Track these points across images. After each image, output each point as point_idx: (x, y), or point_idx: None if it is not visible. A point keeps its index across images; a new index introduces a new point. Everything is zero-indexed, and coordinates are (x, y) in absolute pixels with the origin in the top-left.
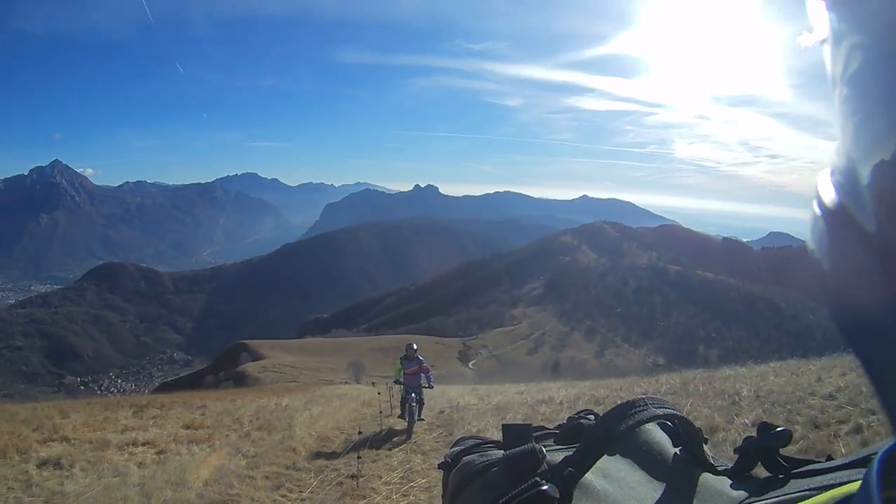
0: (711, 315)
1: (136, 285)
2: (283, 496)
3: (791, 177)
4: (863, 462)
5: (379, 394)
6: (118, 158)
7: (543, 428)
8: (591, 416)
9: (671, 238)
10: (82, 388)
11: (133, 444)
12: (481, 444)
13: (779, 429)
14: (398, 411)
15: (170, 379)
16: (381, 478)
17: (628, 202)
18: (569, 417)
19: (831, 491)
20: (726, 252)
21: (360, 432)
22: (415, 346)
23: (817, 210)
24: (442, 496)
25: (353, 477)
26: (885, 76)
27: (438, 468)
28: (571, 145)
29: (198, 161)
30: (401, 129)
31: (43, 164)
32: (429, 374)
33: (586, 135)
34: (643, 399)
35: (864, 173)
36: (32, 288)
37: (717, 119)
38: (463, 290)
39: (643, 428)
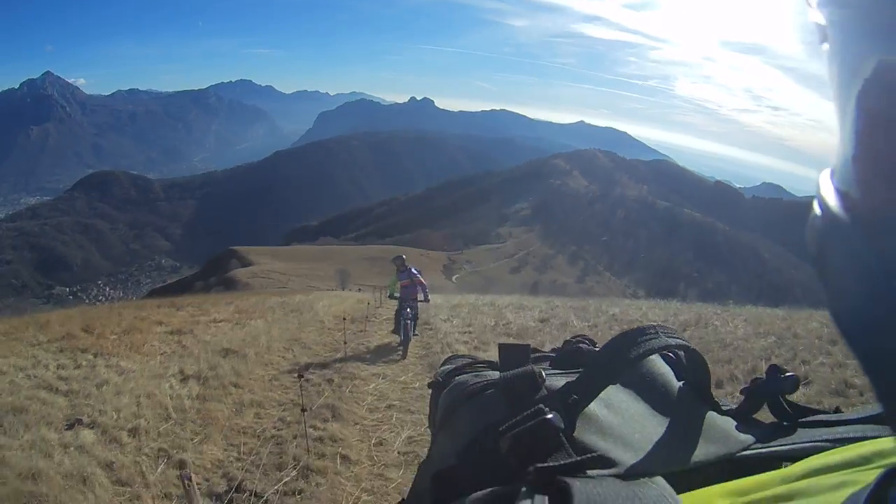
0: (695, 255)
1: (127, 193)
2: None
3: (791, 131)
4: (875, 419)
5: (369, 303)
6: (111, 67)
7: (539, 351)
8: (587, 342)
9: (663, 173)
10: (71, 297)
11: (214, 322)
12: (474, 364)
13: (788, 374)
14: (383, 310)
15: (158, 285)
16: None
17: (624, 132)
18: (565, 341)
19: (854, 446)
20: (717, 195)
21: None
22: (404, 257)
23: (818, 210)
24: (429, 416)
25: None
26: (888, 74)
27: (428, 387)
28: (572, 70)
29: (192, 68)
30: (401, 41)
31: (35, 77)
32: (425, 287)
33: (588, 61)
34: (654, 327)
35: (866, 173)
36: (23, 201)
37: (723, 63)
38: (452, 204)
39: (648, 358)
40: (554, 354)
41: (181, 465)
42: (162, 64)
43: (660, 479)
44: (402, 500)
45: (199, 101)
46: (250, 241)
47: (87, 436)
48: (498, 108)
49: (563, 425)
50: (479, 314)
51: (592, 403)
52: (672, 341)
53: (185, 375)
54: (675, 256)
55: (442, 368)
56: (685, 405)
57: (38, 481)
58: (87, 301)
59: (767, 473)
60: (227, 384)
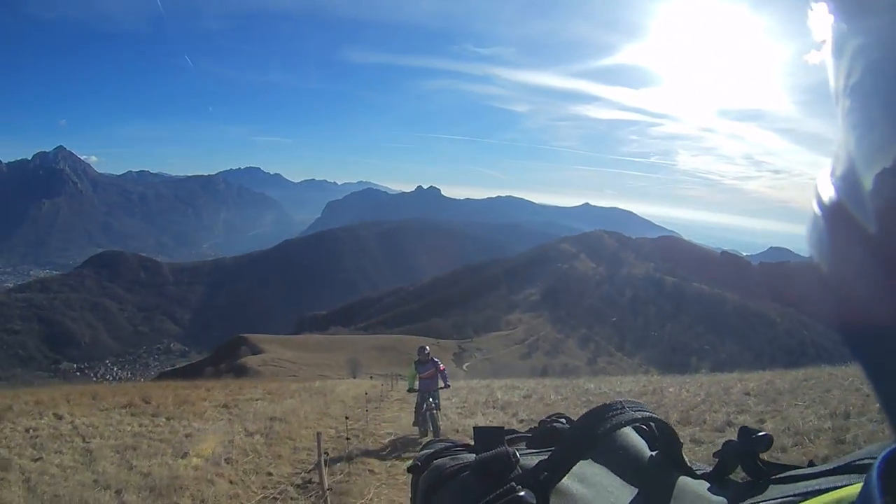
0: (705, 328)
1: (136, 275)
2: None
3: (793, 192)
4: (847, 469)
5: (382, 387)
6: (122, 147)
7: (515, 432)
8: (564, 420)
9: (669, 249)
10: (78, 374)
11: (251, 400)
12: (452, 448)
13: (760, 433)
14: (395, 393)
15: (167, 369)
16: None
17: (629, 211)
18: (541, 421)
19: (820, 497)
20: (724, 265)
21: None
22: (427, 350)
23: (817, 210)
24: (411, 500)
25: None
26: (888, 78)
27: (407, 472)
28: (576, 153)
29: (201, 153)
30: (406, 129)
31: (47, 150)
32: (444, 373)
33: (591, 143)
34: (620, 402)
35: (865, 174)
36: (32, 273)
37: (722, 132)
38: (461, 293)
39: (619, 431)
40: (530, 435)
41: (317, 436)
42: (173, 147)
43: None
44: None
45: (208, 187)
46: (259, 329)
47: (198, 462)
48: (504, 195)
49: (534, 501)
50: (474, 394)
51: (566, 479)
52: (638, 415)
53: (248, 432)
54: (685, 331)
55: (421, 452)
56: (658, 473)
57: (178, 479)
58: (94, 379)
59: None
60: (282, 437)
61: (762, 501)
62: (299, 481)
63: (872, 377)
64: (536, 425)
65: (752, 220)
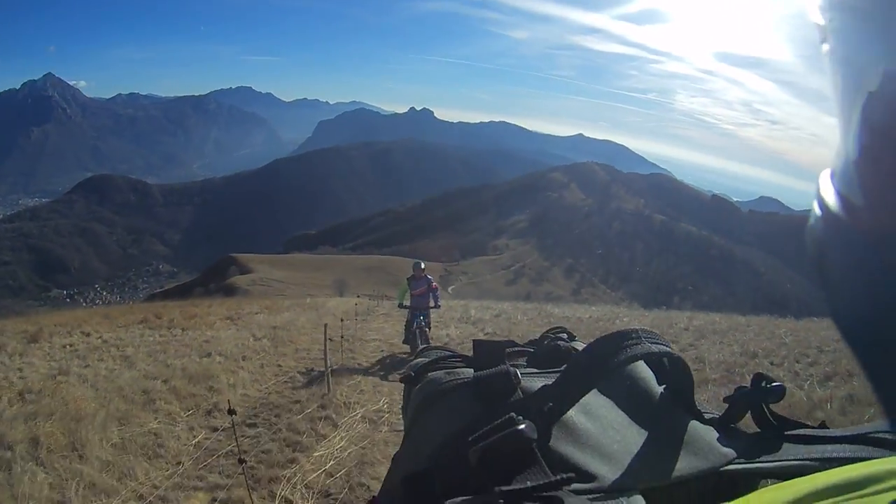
0: (691, 268)
1: (125, 197)
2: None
3: (789, 145)
4: (863, 440)
5: (368, 305)
6: (112, 70)
7: (515, 344)
8: (566, 335)
9: (660, 187)
10: (67, 300)
11: (252, 313)
12: (449, 358)
13: (774, 383)
14: (380, 309)
15: (157, 290)
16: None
17: (623, 145)
18: (542, 335)
19: (845, 468)
20: (714, 209)
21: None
22: (423, 265)
23: (818, 210)
24: (402, 410)
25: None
26: (889, 78)
27: (401, 382)
28: (572, 83)
29: (193, 74)
30: (401, 51)
31: (35, 78)
32: (437, 293)
33: (588, 74)
34: (636, 331)
35: (866, 175)
36: (21, 202)
37: (722, 77)
38: (449, 216)
39: None
40: (531, 349)
41: (324, 327)
42: (163, 68)
43: (637, 497)
44: (374, 498)
45: (199, 107)
46: (248, 249)
47: (220, 359)
48: (497, 120)
49: (535, 436)
50: (450, 311)
51: (570, 410)
52: (654, 348)
53: (256, 337)
54: (670, 269)
55: (415, 361)
56: (667, 414)
57: (208, 371)
58: (84, 304)
59: (753, 496)
60: (285, 340)
61: (778, 460)
62: (303, 369)
63: (871, 376)
64: (538, 338)
65: (745, 166)
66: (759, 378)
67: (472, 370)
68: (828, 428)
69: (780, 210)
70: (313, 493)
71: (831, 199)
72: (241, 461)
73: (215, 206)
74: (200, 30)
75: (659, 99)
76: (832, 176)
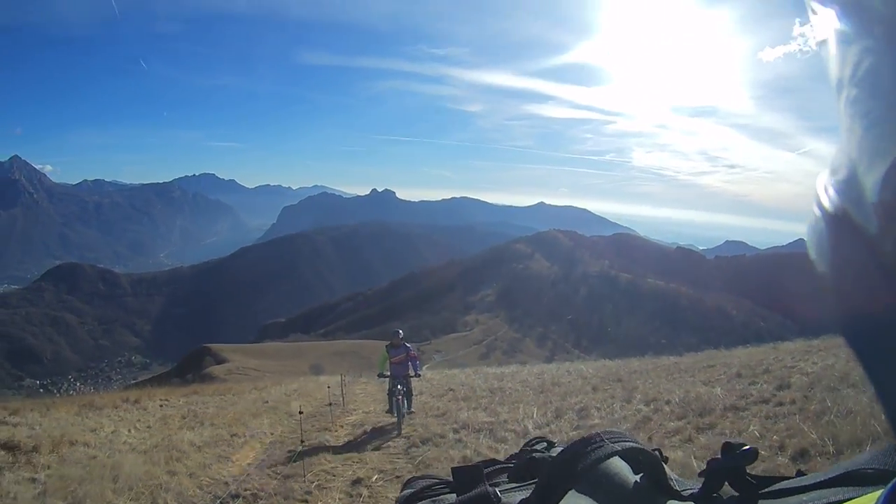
0: (661, 322)
1: (94, 286)
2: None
3: (749, 186)
4: (841, 480)
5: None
6: (78, 155)
7: (495, 461)
8: (545, 443)
9: (624, 246)
10: (41, 390)
11: (255, 389)
12: (433, 486)
13: (744, 447)
14: (361, 379)
15: (131, 382)
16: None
17: (584, 209)
18: (521, 449)
19: None
20: (679, 260)
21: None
22: (400, 333)
23: (817, 212)
24: None
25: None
26: (890, 78)
27: None
28: (530, 152)
29: (156, 160)
30: (359, 132)
31: (2, 160)
32: (416, 361)
33: (545, 142)
34: (599, 434)
35: (866, 176)
36: None
37: (677, 129)
38: (417, 295)
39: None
40: (511, 464)
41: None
42: (127, 154)
43: None
44: None
45: (164, 195)
46: (219, 338)
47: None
48: (458, 196)
49: None
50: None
51: None
52: (618, 447)
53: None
54: (641, 326)
55: (402, 492)
56: (644, 500)
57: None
58: (58, 395)
59: None
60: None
61: None
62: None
63: (872, 377)
64: (517, 453)
65: (707, 214)
66: (728, 447)
67: (455, 495)
68: (805, 475)
69: (746, 251)
70: None
71: (831, 199)
72: None
73: (184, 295)
74: (163, 115)
75: (616, 159)
76: (832, 176)
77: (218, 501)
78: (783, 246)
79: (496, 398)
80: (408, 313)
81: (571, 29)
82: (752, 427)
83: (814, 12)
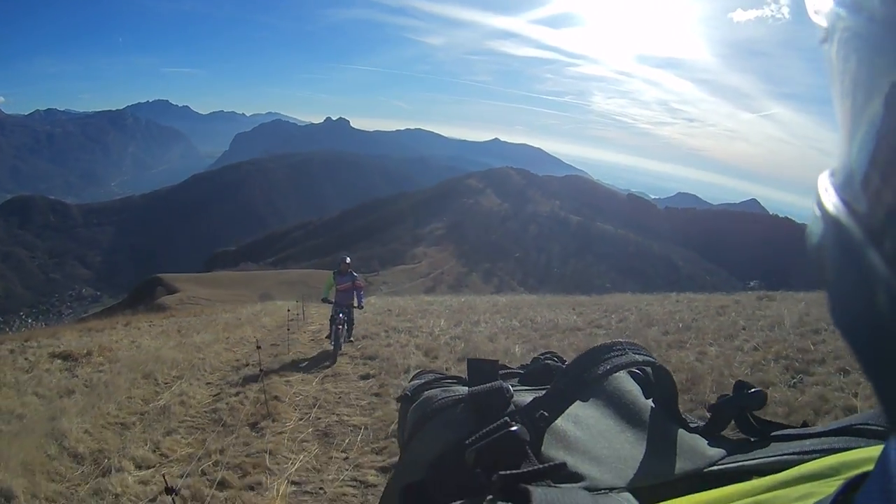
0: (608, 266)
1: (46, 219)
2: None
3: (706, 141)
4: (846, 431)
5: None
6: (30, 85)
7: (507, 367)
8: (556, 359)
9: (576, 188)
10: None
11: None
12: (443, 379)
13: (754, 389)
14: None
15: (83, 315)
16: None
17: (539, 148)
18: (534, 358)
19: (823, 459)
20: (630, 207)
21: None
22: (348, 260)
23: (817, 211)
24: (398, 430)
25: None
26: (892, 79)
27: (397, 401)
28: (488, 88)
29: (110, 87)
30: (317, 60)
31: None
32: (361, 292)
33: (504, 79)
34: (621, 343)
35: (867, 176)
36: None
37: (639, 77)
38: (367, 226)
39: (615, 375)
40: (522, 371)
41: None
42: (81, 82)
43: (626, 494)
44: None
45: (117, 122)
46: (170, 267)
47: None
48: (413, 128)
49: (528, 438)
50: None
51: (560, 419)
52: (639, 358)
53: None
54: (587, 269)
55: (411, 383)
56: (653, 422)
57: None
58: (10, 332)
59: (733, 486)
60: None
61: (761, 458)
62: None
63: (872, 376)
64: (529, 362)
65: (663, 164)
66: (740, 385)
67: (465, 388)
68: (809, 426)
69: (698, 205)
70: None
71: (832, 200)
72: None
73: (135, 225)
74: (118, 41)
75: (575, 101)
76: (832, 177)
77: (235, 366)
78: (735, 203)
79: (419, 314)
80: (357, 244)
81: None
82: (569, 341)
83: (815, 12)
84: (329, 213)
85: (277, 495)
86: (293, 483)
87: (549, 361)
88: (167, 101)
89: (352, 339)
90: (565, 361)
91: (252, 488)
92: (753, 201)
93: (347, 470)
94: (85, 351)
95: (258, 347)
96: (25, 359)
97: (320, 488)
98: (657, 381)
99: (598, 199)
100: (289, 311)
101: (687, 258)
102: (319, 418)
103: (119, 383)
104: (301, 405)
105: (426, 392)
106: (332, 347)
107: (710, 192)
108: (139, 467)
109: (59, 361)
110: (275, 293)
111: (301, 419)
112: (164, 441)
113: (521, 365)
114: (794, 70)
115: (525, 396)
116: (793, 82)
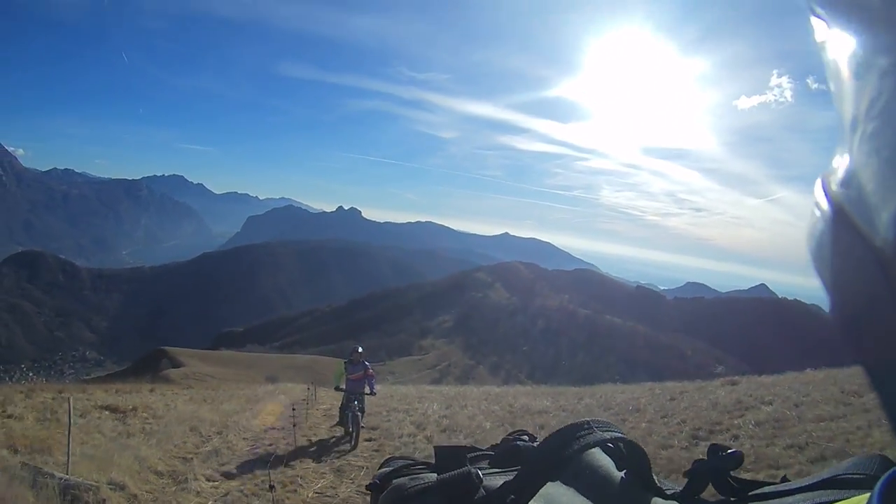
0: (616, 358)
1: (55, 277)
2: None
3: (714, 230)
4: (827, 484)
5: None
6: (50, 142)
7: (477, 449)
8: (527, 437)
9: (585, 282)
10: None
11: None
12: (412, 466)
13: (730, 450)
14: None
15: (84, 378)
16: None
17: (548, 242)
18: (503, 438)
19: None
20: (639, 299)
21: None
22: (360, 349)
23: (816, 212)
24: None
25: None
26: (891, 78)
27: (366, 490)
28: (499, 182)
29: (128, 156)
30: (331, 148)
31: None
32: (373, 380)
33: (515, 173)
34: (588, 421)
35: (866, 176)
36: None
37: (646, 170)
38: (376, 316)
39: (586, 451)
40: (492, 453)
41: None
42: (99, 147)
43: None
44: None
45: (131, 192)
46: (173, 342)
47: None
48: (424, 220)
49: None
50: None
51: (532, 501)
52: (607, 435)
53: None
54: (595, 361)
55: (380, 471)
56: (628, 494)
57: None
58: (10, 383)
59: None
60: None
61: None
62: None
63: (874, 380)
64: (499, 443)
65: (671, 255)
66: (714, 448)
67: (435, 475)
68: (789, 481)
69: (706, 294)
70: None
71: (829, 201)
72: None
73: (142, 296)
74: (139, 111)
75: (584, 195)
76: (832, 177)
77: (264, 428)
78: (744, 290)
79: (418, 399)
80: (365, 333)
81: (555, 65)
82: (537, 420)
83: (814, 13)
84: (337, 302)
85: (309, 495)
86: (316, 493)
87: (519, 441)
88: (183, 176)
89: (362, 425)
90: (536, 439)
91: (290, 492)
92: (762, 286)
93: (353, 486)
94: (130, 406)
95: (293, 409)
96: (73, 408)
97: (336, 494)
98: (629, 454)
99: (607, 292)
100: (308, 388)
101: (696, 348)
102: (333, 461)
103: (171, 432)
104: (317, 455)
105: (395, 480)
106: (342, 433)
107: (719, 280)
108: (209, 480)
109: (106, 413)
110: (281, 377)
111: (318, 462)
112: (220, 468)
113: (491, 445)
114: (798, 153)
115: (496, 480)
116: (797, 165)
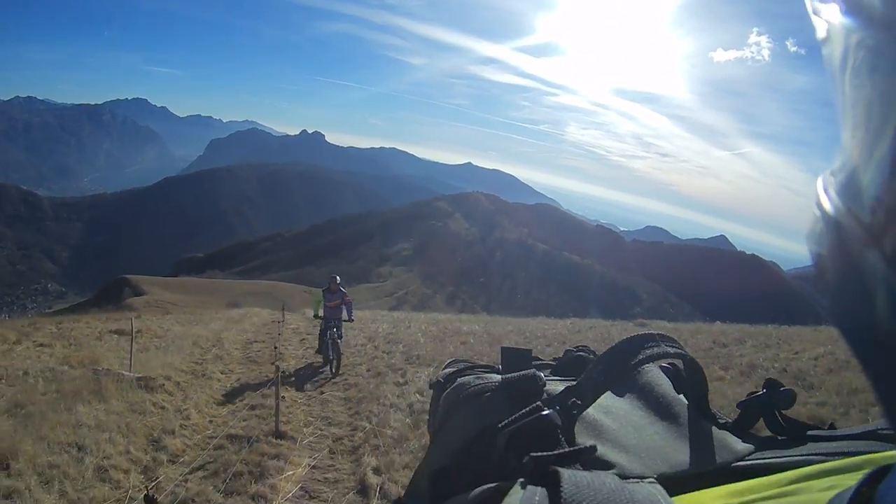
0: (571, 296)
1: (16, 209)
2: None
3: (678, 176)
4: (871, 435)
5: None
6: (12, 70)
7: (539, 359)
8: (587, 352)
9: (545, 217)
10: None
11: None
12: (475, 367)
13: (784, 388)
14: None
15: (47, 311)
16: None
17: (512, 175)
18: (566, 350)
19: (852, 459)
20: (598, 238)
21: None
22: (338, 279)
23: (817, 212)
24: (429, 416)
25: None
26: (892, 79)
27: (430, 388)
28: (466, 112)
29: (91, 80)
30: (297, 71)
31: None
32: (350, 306)
33: (482, 103)
34: (654, 334)
35: (866, 176)
36: None
37: (615, 110)
38: (336, 242)
39: (645, 367)
40: (554, 363)
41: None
42: (63, 72)
43: (654, 483)
44: (399, 498)
45: (94, 117)
46: (136, 269)
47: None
48: (388, 146)
49: (560, 423)
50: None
51: (591, 409)
52: (671, 350)
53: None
54: (551, 297)
55: (444, 370)
56: (683, 415)
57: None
58: None
59: (760, 479)
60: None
61: (790, 455)
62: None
63: (873, 379)
64: (562, 354)
65: (634, 197)
66: (770, 383)
67: (499, 376)
68: (836, 429)
69: (666, 239)
70: None
71: (832, 201)
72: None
73: (104, 223)
74: (104, 34)
75: (551, 130)
76: (832, 178)
77: (249, 340)
78: (704, 239)
79: (371, 321)
80: (325, 259)
81: None
82: (458, 340)
83: (814, 11)
84: (298, 226)
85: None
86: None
87: (581, 353)
88: (146, 100)
89: (342, 351)
90: (595, 354)
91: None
92: (722, 237)
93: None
94: (136, 329)
95: (271, 325)
96: (86, 333)
97: (321, 393)
98: (688, 376)
99: (567, 229)
100: (281, 310)
101: (651, 291)
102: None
103: (179, 346)
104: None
105: (459, 379)
106: (321, 358)
107: (680, 227)
108: (222, 373)
109: (116, 336)
110: (241, 302)
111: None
112: (226, 367)
113: (554, 357)
114: (770, 111)
115: (557, 386)
116: (768, 122)
